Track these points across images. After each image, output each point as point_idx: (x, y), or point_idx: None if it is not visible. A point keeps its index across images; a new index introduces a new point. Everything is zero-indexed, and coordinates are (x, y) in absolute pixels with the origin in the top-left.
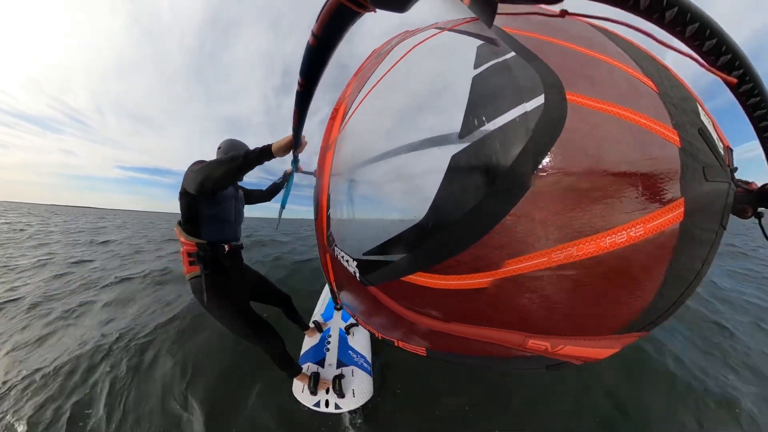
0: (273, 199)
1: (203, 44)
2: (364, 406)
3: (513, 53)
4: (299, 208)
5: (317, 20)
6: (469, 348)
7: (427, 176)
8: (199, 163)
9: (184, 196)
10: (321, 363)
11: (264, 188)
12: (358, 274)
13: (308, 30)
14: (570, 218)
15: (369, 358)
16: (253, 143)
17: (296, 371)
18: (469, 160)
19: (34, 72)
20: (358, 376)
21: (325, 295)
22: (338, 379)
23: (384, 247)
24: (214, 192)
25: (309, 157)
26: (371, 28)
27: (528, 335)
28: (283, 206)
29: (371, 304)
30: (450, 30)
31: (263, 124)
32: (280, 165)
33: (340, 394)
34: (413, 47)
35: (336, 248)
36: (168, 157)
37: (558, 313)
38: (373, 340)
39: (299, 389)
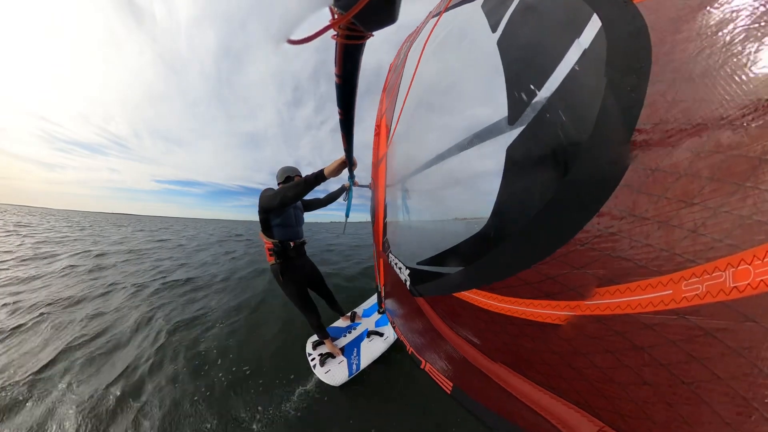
0: (329, 206)
1: (220, 71)
2: (326, 388)
3: None
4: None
5: (335, 63)
6: (506, 408)
7: (484, 177)
8: (270, 189)
9: (261, 213)
10: (333, 340)
11: (322, 197)
12: (408, 283)
13: (311, 47)
14: (715, 209)
15: (362, 365)
16: (270, 153)
17: (324, 336)
18: (528, 149)
19: (82, 108)
20: (341, 367)
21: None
22: (329, 355)
23: (439, 259)
24: (286, 206)
25: (358, 172)
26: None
27: (603, 429)
28: (347, 215)
29: (414, 314)
30: (446, 10)
31: (278, 135)
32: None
33: (321, 364)
34: (424, 47)
35: (390, 254)
36: (196, 170)
37: (675, 406)
38: (385, 356)
39: (311, 341)
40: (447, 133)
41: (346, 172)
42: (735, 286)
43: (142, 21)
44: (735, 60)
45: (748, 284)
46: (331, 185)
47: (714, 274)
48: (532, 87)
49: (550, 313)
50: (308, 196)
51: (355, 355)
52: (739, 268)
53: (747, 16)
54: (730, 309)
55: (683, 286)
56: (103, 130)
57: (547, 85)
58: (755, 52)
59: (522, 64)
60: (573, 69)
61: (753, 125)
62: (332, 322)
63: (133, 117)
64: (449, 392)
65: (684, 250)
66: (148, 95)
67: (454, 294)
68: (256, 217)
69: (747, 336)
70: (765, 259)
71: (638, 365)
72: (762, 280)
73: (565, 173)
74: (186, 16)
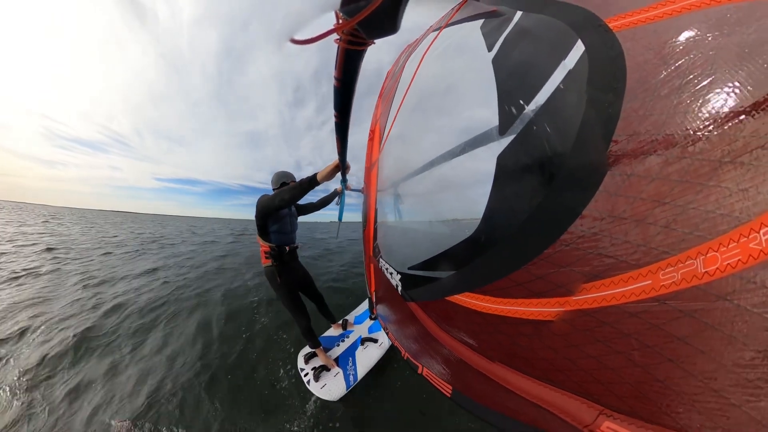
0: (321, 210)
1: (221, 71)
2: (324, 403)
3: (520, 12)
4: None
5: (335, 67)
6: (508, 405)
7: (475, 183)
8: (266, 196)
9: (259, 218)
10: (326, 351)
11: (315, 201)
12: (400, 288)
13: (314, 49)
14: (684, 207)
15: (360, 376)
16: (271, 152)
17: (315, 344)
18: (516, 158)
19: (86, 106)
20: (337, 379)
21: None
22: (323, 368)
23: (430, 263)
24: (283, 207)
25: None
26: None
27: (603, 412)
28: (340, 220)
29: (407, 320)
30: (447, 26)
31: (278, 135)
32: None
33: (316, 379)
34: (422, 59)
35: (381, 260)
36: (197, 169)
37: (665, 381)
38: (379, 366)
39: (302, 355)
40: (440, 140)
41: (340, 175)
42: (706, 271)
43: (145, 21)
44: (696, 80)
45: (717, 268)
46: (332, 187)
47: (687, 263)
48: (521, 102)
49: (541, 311)
50: (303, 201)
51: (350, 365)
52: (708, 255)
53: (705, 44)
54: (704, 291)
55: (661, 275)
56: (106, 128)
57: (535, 100)
58: (712, 73)
59: (513, 81)
60: (558, 87)
61: (714, 133)
62: (324, 331)
63: (136, 116)
64: (449, 396)
65: (659, 244)
66: (150, 94)
67: (446, 298)
68: (249, 217)
69: (721, 312)
70: (729, 246)
71: (628, 350)
72: (728, 263)
73: (551, 180)
74: (189, 16)
